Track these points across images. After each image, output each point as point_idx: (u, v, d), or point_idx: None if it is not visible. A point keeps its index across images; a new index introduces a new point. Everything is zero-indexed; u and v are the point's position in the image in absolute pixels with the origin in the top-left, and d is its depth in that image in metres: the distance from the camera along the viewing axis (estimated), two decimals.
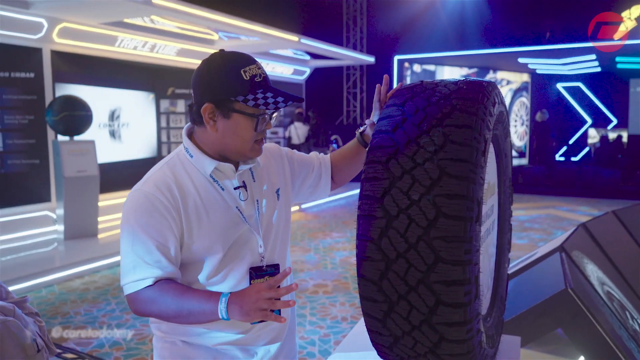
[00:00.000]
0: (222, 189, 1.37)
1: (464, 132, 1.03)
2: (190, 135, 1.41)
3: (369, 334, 1.13)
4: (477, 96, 1.10)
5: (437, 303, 1.00)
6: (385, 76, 1.49)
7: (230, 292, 1.26)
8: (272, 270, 1.42)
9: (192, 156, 1.36)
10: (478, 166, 1.01)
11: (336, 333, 3.89)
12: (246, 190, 1.40)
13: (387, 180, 1.04)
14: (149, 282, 1.28)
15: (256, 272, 1.40)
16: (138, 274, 1.28)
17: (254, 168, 1.44)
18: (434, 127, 1.05)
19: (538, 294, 1.92)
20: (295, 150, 1.65)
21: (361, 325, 1.73)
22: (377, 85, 1.47)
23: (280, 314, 1.39)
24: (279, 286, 1.26)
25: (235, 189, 1.38)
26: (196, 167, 1.36)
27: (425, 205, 0.99)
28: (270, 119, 1.37)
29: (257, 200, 1.42)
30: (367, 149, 1.44)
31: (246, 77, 1.28)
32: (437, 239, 0.98)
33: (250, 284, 1.38)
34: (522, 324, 1.80)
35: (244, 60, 1.31)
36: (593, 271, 2.34)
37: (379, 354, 1.18)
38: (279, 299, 1.25)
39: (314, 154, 1.67)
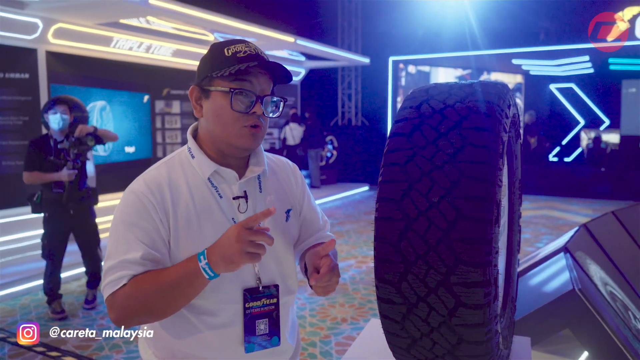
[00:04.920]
0: (220, 197, 1.25)
1: (482, 135, 1.03)
2: (196, 135, 1.31)
3: (385, 336, 1.13)
4: (493, 98, 1.11)
5: (456, 305, 1.00)
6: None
7: (205, 249, 1.13)
8: (271, 291, 1.30)
9: (193, 157, 1.26)
10: (497, 168, 1.02)
11: (337, 334, 3.89)
12: (246, 202, 1.27)
13: (405, 183, 1.04)
14: (125, 280, 1.16)
15: (251, 294, 1.27)
16: (117, 273, 1.17)
17: (262, 177, 1.32)
18: (452, 130, 1.05)
19: (545, 295, 1.93)
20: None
21: (368, 331, 1.71)
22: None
23: (279, 340, 1.30)
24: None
25: (234, 198, 1.26)
26: (195, 169, 1.25)
27: (444, 207, 0.99)
28: (261, 102, 1.22)
29: None
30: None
31: (228, 53, 1.22)
32: (457, 241, 0.98)
33: (244, 307, 1.25)
34: (530, 325, 1.81)
35: (232, 41, 1.25)
36: (596, 272, 2.35)
37: (395, 356, 1.17)
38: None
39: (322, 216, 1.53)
